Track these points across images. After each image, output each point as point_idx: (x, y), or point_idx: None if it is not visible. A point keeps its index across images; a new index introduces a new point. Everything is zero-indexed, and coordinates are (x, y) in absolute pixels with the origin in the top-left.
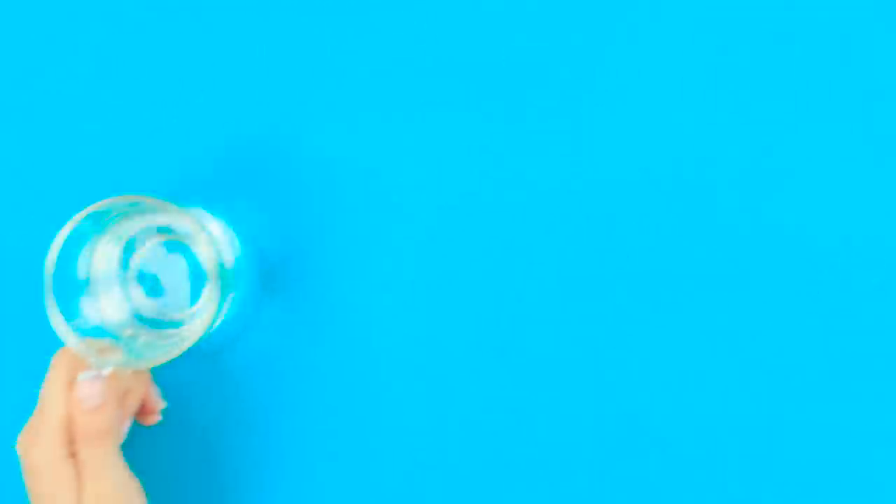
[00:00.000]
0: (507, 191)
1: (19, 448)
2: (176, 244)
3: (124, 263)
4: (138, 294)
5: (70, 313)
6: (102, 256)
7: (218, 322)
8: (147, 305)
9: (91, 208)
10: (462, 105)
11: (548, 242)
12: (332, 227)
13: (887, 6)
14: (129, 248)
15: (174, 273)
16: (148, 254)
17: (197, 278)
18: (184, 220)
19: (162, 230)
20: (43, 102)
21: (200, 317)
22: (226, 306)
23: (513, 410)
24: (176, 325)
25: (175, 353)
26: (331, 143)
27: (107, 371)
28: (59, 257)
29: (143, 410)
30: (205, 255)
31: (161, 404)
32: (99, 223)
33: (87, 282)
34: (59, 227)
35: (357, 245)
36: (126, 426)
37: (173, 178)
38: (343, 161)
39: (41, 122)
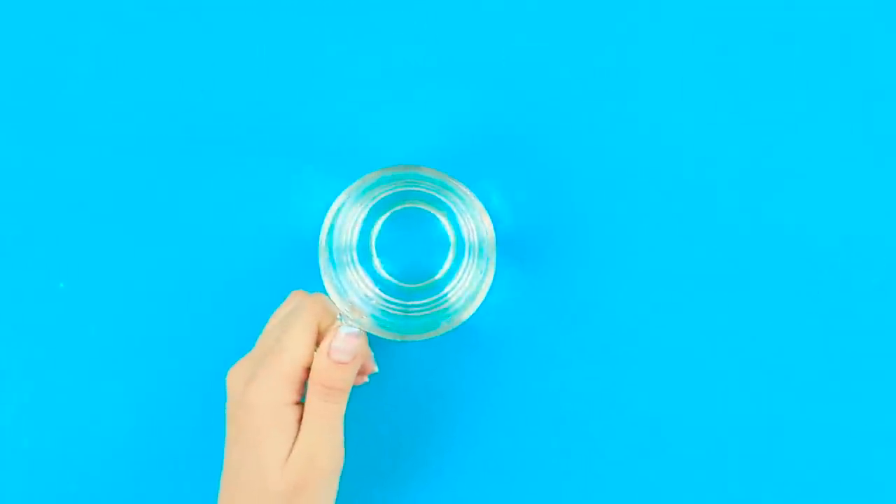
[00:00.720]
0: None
1: (236, 383)
2: (416, 213)
3: (367, 232)
4: (378, 263)
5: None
6: (350, 225)
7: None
8: (386, 274)
9: (369, 178)
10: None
11: (546, 242)
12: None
13: (887, 6)
14: (371, 217)
15: (414, 243)
16: (388, 223)
17: (439, 248)
18: (462, 191)
19: (402, 199)
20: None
21: (469, 294)
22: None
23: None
24: (417, 295)
25: (442, 330)
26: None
27: (360, 330)
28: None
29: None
30: (481, 229)
31: (373, 369)
32: (360, 194)
33: (339, 248)
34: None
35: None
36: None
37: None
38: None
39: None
